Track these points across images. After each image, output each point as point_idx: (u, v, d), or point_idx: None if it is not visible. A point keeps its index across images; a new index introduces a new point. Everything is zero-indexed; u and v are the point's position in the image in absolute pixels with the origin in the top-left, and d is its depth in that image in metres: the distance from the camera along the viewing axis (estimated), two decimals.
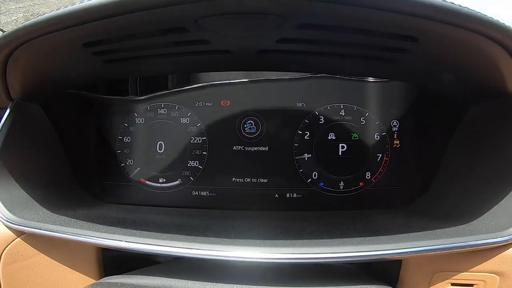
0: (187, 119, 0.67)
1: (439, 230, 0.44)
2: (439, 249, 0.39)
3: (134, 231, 0.45)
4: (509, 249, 0.41)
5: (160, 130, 0.67)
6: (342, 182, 0.66)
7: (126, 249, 0.41)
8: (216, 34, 0.41)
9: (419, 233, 0.44)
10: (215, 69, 0.61)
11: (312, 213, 0.63)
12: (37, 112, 0.55)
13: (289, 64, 0.53)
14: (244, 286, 0.38)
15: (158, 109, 0.67)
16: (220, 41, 0.44)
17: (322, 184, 0.66)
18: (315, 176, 0.66)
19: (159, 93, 0.68)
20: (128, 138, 0.67)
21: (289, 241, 0.43)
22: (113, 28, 0.37)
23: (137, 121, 0.67)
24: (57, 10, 0.35)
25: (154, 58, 0.47)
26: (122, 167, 0.67)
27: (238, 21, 0.38)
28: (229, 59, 0.49)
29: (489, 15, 0.36)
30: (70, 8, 0.35)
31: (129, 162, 0.66)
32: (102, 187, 0.66)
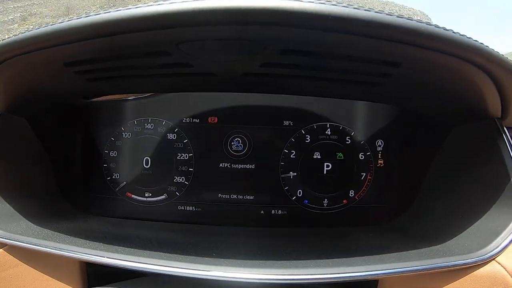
0: (174, 135, 0.67)
1: (414, 251, 0.45)
2: (412, 270, 0.40)
3: (117, 246, 0.45)
4: (480, 269, 0.41)
5: (147, 145, 0.67)
6: (326, 199, 0.67)
7: (108, 265, 0.41)
8: (198, 58, 0.42)
9: (394, 253, 0.45)
10: (199, 90, 0.63)
11: (295, 230, 0.64)
12: (21, 124, 0.56)
13: (274, 87, 0.54)
14: None
15: (145, 124, 0.68)
16: (203, 64, 0.45)
17: (306, 201, 0.67)
18: (299, 194, 0.67)
19: (146, 95, 0.67)
20: (115, 153, 0.67)
21: (268, 261, 0.44)
22: (93, 49, 0.38)
23: (123, 135, 0.68)
24: (37, 28, 0.36)
25: (138, 78, 0.47)
26: (108, 181, 0.67)
27: (219, 47, 0.39)
28: (213, 82, 0.50)
29: (472, 39, 0.36)
30: (48, 28, 0.35)
31: (115, 176, 0.67)
32: (88, 199, 0.66)
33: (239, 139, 0.68)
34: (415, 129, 0.64)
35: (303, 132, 0.67)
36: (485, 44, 0.38)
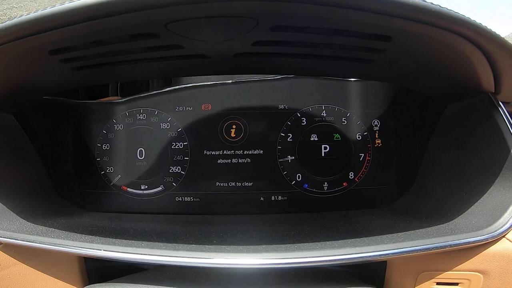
0: (167, 124, 0.66)
1: (421, 230, 0.45)
2: (421, 249, 0.40)
3: (114, 239, 0.44)
4: (491, 247, 0.41)
5: (140, 136, 0.65)
6: (326, 183, 0.65)
7: (105, 258, 0.40)
8: (188, 39, 0.40)
9: (401, 233, 0.44)
10: (192, 73, 0.60)
11: (297, 215, 0.63)
12: (9, 121, 0.54)
13: (267, 67, 0.52)
14: None
15: (137, 115, 0.66)
16: (193, 45, 0.43)
17: (306, 185, 0.66)
18: (299, 178, 0.66)
19: (138, 95, 0.67)
20: (107, 146, 0.65)
21: (272, 246, 0.43)
22: (77, 34, 0.36)
23: (115, 127, 0.66)
24: (19, 17, 0.34)
25: (126, 64, 0.45)
26: (102, 175, 0.65)
27: (208, 26, 0.38)
28: (205, 64, 0.48)
29: (461, 13, 0.35)
30: (31, 15, 0.33)
31: (109, 170, 0.65)
32: (83, 195, 0.65)
33: (234, 125, 0.66)
34: (410, 108, 0.63)
35: (299, 115, 0.66)
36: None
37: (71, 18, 0.33)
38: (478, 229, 0.41)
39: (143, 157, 0.65)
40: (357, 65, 0.48)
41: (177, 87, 0.67)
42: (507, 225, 0.40)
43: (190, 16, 0.35)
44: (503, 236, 0.41)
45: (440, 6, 0.34)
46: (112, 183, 0.65)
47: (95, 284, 0.41)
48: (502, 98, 0.48)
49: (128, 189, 0.65)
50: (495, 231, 0.40)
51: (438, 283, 0.42)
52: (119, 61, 0.45)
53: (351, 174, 0.65)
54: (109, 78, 0.57)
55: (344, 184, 0.65)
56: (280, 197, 0.66)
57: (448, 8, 0.35)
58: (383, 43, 0.40)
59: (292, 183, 0.66)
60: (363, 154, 0.65)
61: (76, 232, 0.45)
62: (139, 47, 0.43)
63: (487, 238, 0.40)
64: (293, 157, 0.66)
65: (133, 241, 0.43)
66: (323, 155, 0.65)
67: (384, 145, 0.65)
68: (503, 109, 0.45)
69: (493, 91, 0.46)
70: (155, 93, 0.67)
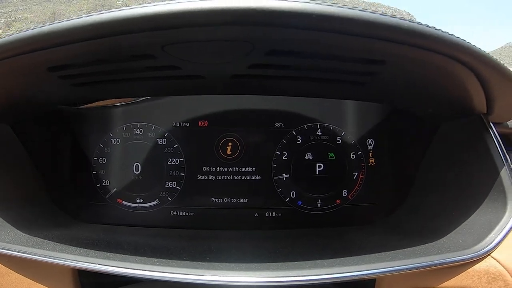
0: (164, 140, 0.67)
1: (409, 248, 0.45)
2: (408, 268, 0.40)
3: (108, 253, 0.44)
4: (476, 265, 0.41)
5: (137, 151, 0.66)
6: (319, 200, 0.66)
7: (99, 271, 0.41)
8: (185, 61, 0.42)
9: (390, 252, 0.45)
10: (188, 93, 0.62)
11: (290, 231, 0.64)
12: (5, 132, 0.54)
13: (262, 88, 0.54)
14: None
15: (134, 129, 0.67)
16: (191, 67, 0.44)
17: (300, 202, 0.66)
18: (293, 195, 0.67)
19: (135, 100, 0.67)
20: (104, 160, 0.67)
21: (264, 264, 0.44)
22: (76, 53, 0.37)
23: (112, 141, 0.67)
24: (17, 33, 0.35)
25: (124, 82, 0.47)
26: (98, 188, 0.66)
27: (205, 49, 0.39)
28: (203, 84, 0.50)
29: (456, 37, 0.36)
30: (31, 31, 0.34)
31: (105, 183, 0.66)
32: (78, 207, 0.65)
33: (230, 142, 0.67)
34: (404, 127, 0.65)
35: (294, 134, 0.67)
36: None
37: (70, 37, 0.34)
38: (465, 248, 0.42)
39: (139, 171, 0.66)
40: (351, 87, 0.49)
41: (173, 97, 0.67)
42: (492, 245, 0.41)
43: (187, 39, 0.37)
44: (488, 255, 0.41)
45: (435, 29, 0.35)
46: (108, 196, 0.66)
47: None
48: (494, 119, 0.50)
49: (124, 202, 0.66)
50: (481, 250, 0.41)
51: None
52: (117, 79, 0.46)
53: (345, 191, 0.66)
54: (107, 95, 0.58)
55: (338, 201, 0.66)
56: (274, 213, 0.66)
57: (443, 31, 0.35)
58: (377, 66, 0.41)
59: (286, 200, 0.66)
60: (356, 173, 0.66)
61: (70, 245, 0.46)
62: (137, 66, 0.44)
63: (472, 257, 0.40)
64: (288, 175, 0.67)
65: (127, 256, 0.43)
66: (317, 173, 0.67)
67: (377, 164, 0.66)
68: (493, 131, 0.47)
69: (485, 112, 0.48)
70: (152, 101, 0.67)
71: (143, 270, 0.40)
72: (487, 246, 0.41)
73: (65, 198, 0.64)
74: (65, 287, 0.44)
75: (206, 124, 0.67)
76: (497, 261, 0.41)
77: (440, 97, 0.49)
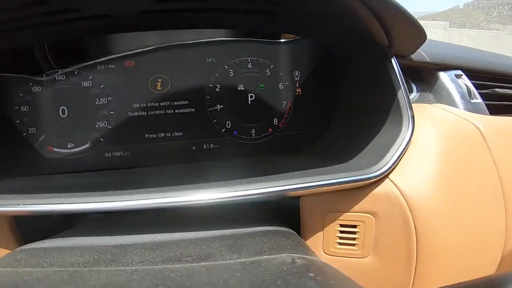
0: (89, 82, 0.64)
1: (323, 169, 0.48)
2: (320, 185, 0.43)
3: (33, 194, 0.44)
4: (377, 188, 0.44)
5: (61, 95, 0.63)
6: (253, 129, 0.70)
7: (22, 213, 0.41)
8: (81, 1, 0.38)
9: (309, 171, 0.47)
10: (98, 33, 0.57)
11: (227, 162, 0.67)
12: None
13: (175, 23, 0.51)
14: (155, 235, 0.40)
15: (55, 76, 0.63)
16: (92, 7, 0.41)
17: (235, 132, 0.69)
18: (228, 126, 0.69)
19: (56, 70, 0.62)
20: (26, 107, 0.63)
21: (194, 185, 0.45)
22: None
23: (33, 89, 0.63)
24: None
25: (21, 30, 0.42)
26: (24, 137, 0.64)
27: None
28: (112, 23, 0.46)
29: None
30: None
31: (31, 131, 0.64)
32: (6, 160, 0.63)
33: (160, 79, 0.66)
34: (324, 60, 0.67)
35: (226, 67, 0.67)
36: None
37: None
38: (366, 167, 0.44)
39: (65, 115, 0.64)
40: (263, 18, 0.48)
41: (93, 39, 0.63)
42: (388, 165, 0.43)
43: None
44: (386, 176, 0.44)
45: None
46: (36, 144, 0.64)
47: (29, 244, 0.42)
48: (397, 52, 0.52)
49: (55, 149, 0.65)
50: (378, 170, 0.43)
51: (341, 225, 0.45)
52: (13, 28, 0.41)
53: (275, 120, 0.70)
54: (10, 44, 0.52)
55: (270, 130, 0.70)
56: (212, 145, 0.69)
57: None
58: None
59: (223, 130, 0.69)
60: (285, 102, 0.69)
61: None
62: (34, 13, 0.40)
63: (370, 178, 0.42)
64: (222, 106, 0.68)
65: (54, 194, 0.44)
66: (249, 103, 0.69)
67: (304, 94, 0.69)
68: (395, 60, 0.49)
69: (387, 44, 0.50)
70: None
71: (67, 204, 0.41)
72: (383, 167, 0.44)
73: None
74: (3, 239, 0.45)
75: (133, 64, 0.65)
76: (394, 184, 0.43)
77: (345, 29, 0.50)
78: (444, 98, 0.62)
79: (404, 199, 0.43)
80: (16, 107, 0.63)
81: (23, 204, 0.41)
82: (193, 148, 0.69)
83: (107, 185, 0.50)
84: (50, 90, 0.64)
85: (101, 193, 0.44)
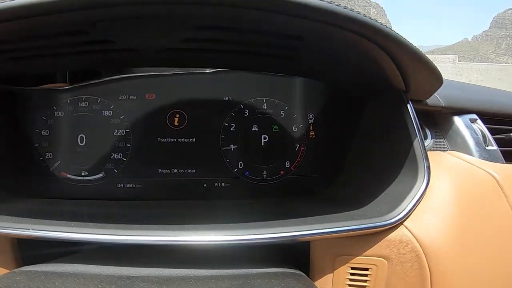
0: (110, 112, 0.66)
1: (336, 214, 0.48)
2: (333, 232, 0.43)
3: (44, 220, 0.44)
4: (391, 234, 0.44)
5: (81, 123, 0.65)
6: (265, 171, 0.70)
7: (32, 237, 0.41)
8: (117, 35, 0.42)
9: (320, 217, 0.47)
10: (125, 65, 0.61)
11: (238, 201, 0.67)
12: None
13: (198, 61, 0.54)
14: (162, 269, 0.39)
15: (79, 102, 0.66)
16: (125, 40, 0.44)
17: (247, 173, 0.69)
18: (240, 166, 0.69)
19: (85, 83, 0.66)
20: (47, 132, 0.65)
21: (204, 225, 0.45)
22: (6, 30, 0.36)
23: (56, 114, 0.65)
24: None
25: (56, 57, 0.46)
26: (40, 161, 0.65)
27: (135, 25, 0.39)
28: (139, 56, 0.50)
29: (359, 13, 0.37)
30: None
31: (48, 156, 0.65)
32: (18, 181, 0.63)
33: (178, 114, 0.68)
34: (339, 104, 0.68)
35: (242, 107, 0.69)
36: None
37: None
38: (381, 215, 0.44)
39: (83, 143, 0.65)
40: (281, 62, 0.51)
41: (124, 75, 0.67)
42: (404, 213, 0.44)
43: (116, 16, 0.37)
44: (401, 223, 0.44)
45: (347, 9, 0.36)
46: (51, 169, 0.65)
47: (29, 266, 0.41)
48: (413, 96, 0.53)
49: (68, 175, 0.65)
50: (393, 218, 0.43)
51: (352, 268, 0.45)
52: (47, 54, 0.45)
53: (288, 163, 0.70)
54: (40, 69, 0.56)
55: (281, 172, 0.70)
56: (223, 184, 0.69)
57: (346, 7, 0.37)
58: (297, 42, 0.43)
59: (235, 170, 0.69)
60: (298, 145, 0.70)
61: (4, 215, 0.45)
62: (69, 42, 0.43)
63: (385, 225, 0.43)
64: (236, 146, 0.69)
65: (63, 221, 0.43)
66: (262, 144, 0.69)
67: (317, 137, 0.70)
68: (411, 106, 0.50)
69: (404, 89, 0.51)
70: (101, 81, 0.67)
71: (76, 233, 0.40)
72: (399, 214, 0.44)
73: (4, 173, 0.62)
74: (3, 257, 0.44)
75: (153, 97, 0.67)
76: (409, 230, 0.44)
77: (361, 74, 0.52)
78: (459, 145, 0.62)
79: (419, 243, 0.43)
80: (37, 130, 0.65)
81: (32, 229, 0.41)
82: (204, 185, 0.69)
83: (116, 216, 0.50)
84: (72, 116, 0.66)
85: (110, 225, 0.43)
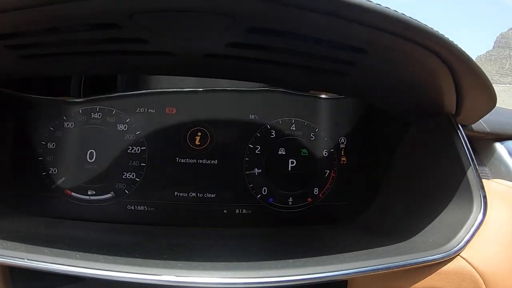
0: (125, 126, 0.60)
1: (381, 248, 0.44)
2: (381, 268, 0.39)
3: (44, 248, 0.37)
4: (446, 265, 0.41)
5: (92, 136, 0.59)
6: (291, 198, 0.64)
7: (29, 268, 0.34)
8: (154, 33, 0.37)
9: (362, 251, 0.43)
10: (155, 72, 0.57)
11: (260, 229, 0.60)
12: None
13: (237, 72, 0.50)
14: None
15: (92, 113, 0.60)
16: (160, 41, 0.39)
17: (271, 200, 0.63)
18: (264, 192, 0.63)
19: (99, 96, 0.61)
20: (53, 144, 0.58)
21: (231, 264, 0.40)
22: (29, 19, 0.32)
23: (65, 125, 0.59)
24: None
25: (82, 55, 0.41)
26: (43, 176, 0.57)
27: (180, 20, 0.35)
28: (171, 62, 0.45)
29: (435, 30, 0.36)
30: None
31: (52, 171, 0.58)
32: (18, 197, 0.56)
33: (200, 132, 0.62)
34: (377, 127, 0.64)
35: (269, 127, 0.64)
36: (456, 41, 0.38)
37: (24, 1, 0.28)
38: (435, 247, 0.41)
39: (93, 159, 0.59)
40: (329, 78, 0.47)
41: (142, 91, 0.62)
42: (462, 244, 0.41)
43: (160, 7, 0.32)
44: (458, 254, 0.42)
45: (418, 21, 0.35)
46: (54, 186, 0.57)
47: None
48: (461, 121, 0.51)
49: (72, 194, 0.58)
50: (451, 249, 0.41)
51: None
52: (73, 52, 0.40)
53: (316, 190, 0.64)
54: (60, 70, 0.50)
55: (309, 199, 0.64)
56: (244, 210, 0.62)
57: (424, 23, 0.35)
58: (359, 55, 0.40)
59: (258, 196, 0.63)
60: (328, 171, 0.65)
61: (2, 239, 0.38)
62: (98, 38, 0.38)
63: (443, 257, 0.40)
64: (260, 170, 0.63)
65: (66, 251, 0.37)
66: (289, 169, 0.64)
67: (349, 163, 0.65)
68: (461, 132, 0.48)
69: (454, 113, 0.48)
70: (117, 95, 0.61)
71: (81, 267, 0.34)
72: (456, 245, 0.41)
73: (4, 187, 0.55)
74: None
75: (174, 111, 0.62)
76: (466, 261, 0.41)
77: (415, 94, 0.49)
78: (503, 173, 0.59)
79: (479, 275, 0.41)
80: (43, 142, 0.58)
81: (28, 259, 0.34)
82: (224, 211, 0.62)
83: (124, 246, 0.44)
84: (82, 128, 0.59)
85: (115, 259, 0.37)
